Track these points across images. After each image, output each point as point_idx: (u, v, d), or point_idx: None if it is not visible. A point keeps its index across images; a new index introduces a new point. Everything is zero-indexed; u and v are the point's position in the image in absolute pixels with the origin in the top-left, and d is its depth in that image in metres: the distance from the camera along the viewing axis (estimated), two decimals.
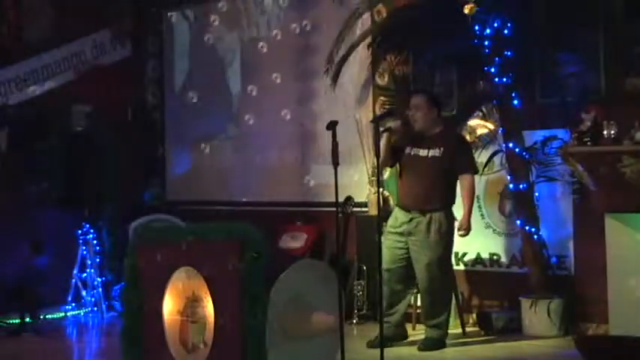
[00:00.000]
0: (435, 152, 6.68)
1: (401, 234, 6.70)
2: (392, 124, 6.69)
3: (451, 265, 7.10)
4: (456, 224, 6.76)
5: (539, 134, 7.15)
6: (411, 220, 6.68)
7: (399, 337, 6.82)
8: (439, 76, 7.77)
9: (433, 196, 6.64)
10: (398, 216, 6.78)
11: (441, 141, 6.71)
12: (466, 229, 6.70)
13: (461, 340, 7.00)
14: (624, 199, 6.56)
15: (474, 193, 6.73)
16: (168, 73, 9.83)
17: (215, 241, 5.35)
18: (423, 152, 6.71)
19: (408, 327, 7.17)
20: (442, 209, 6.65)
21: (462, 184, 6.71)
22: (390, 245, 6.68)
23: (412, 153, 6.75)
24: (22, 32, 8.79)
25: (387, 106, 7.85)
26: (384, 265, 6.56)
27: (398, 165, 6.97)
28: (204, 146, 9.47)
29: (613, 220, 6.69)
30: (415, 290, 6.97)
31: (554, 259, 7.15)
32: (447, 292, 6.81)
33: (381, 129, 6.68)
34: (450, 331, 6.89)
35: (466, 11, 6.82)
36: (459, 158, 6.71)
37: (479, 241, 7.55)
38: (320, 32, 8.50)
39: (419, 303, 7.12)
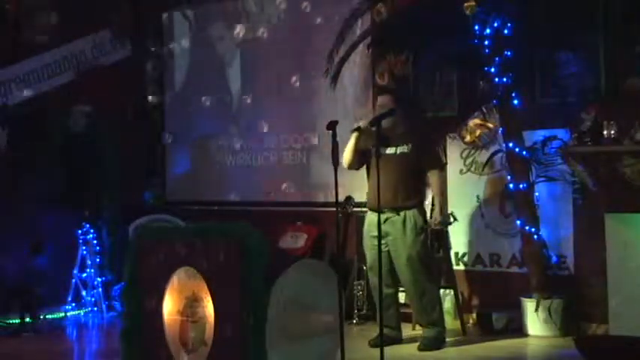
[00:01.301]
0: (403, 149, 6.71)
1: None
2: (361, 123, 6.72)
3: (434, 260, 7.04)
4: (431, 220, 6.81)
5: (539, 134, 7.16)
6: (386, 220, 6.66)
7: (397, 339, 6.81)
8: (439, 76, 7.77)
9: (405, 193, 6.66)
10: (372, 219, 6.71)
11: (409, 138, 6.74)
12: (438, 222, 6.74)
13: (461, 340, 7.00)
14: (624, 199, 6.57)
15: (443, 186, 6.78)
16: (168, 73, 9.83)
17: (215, 241, 5.35)
18: (390, 150, 6.72)
19: (408, 327, 7.18)
20: (415, 206, 6.68)
21: (431, 179, 6.75)
22: (370, 249, 6.69)
23: (381, 152, 6.72)
24: (22, 32, 8.79)
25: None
26: (369, 265, 6.62)
27: (366, 167, 6.96)
28: (204, 146, 9.47)
29: (613, 220, 6.69)
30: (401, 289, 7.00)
31: (554, 259, 7.15)
32: (432, 288, 6.80)
33: (350, 129, 6.73)
34: (450, 331, 6.89)
35: (467, 12, 6.82)
36: (426, 154, 6.76)
37: (479, 241, 7.55)
38: (320, 32, 8.50)
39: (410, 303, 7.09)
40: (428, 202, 6.87)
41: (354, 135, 6.73)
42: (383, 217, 6.63)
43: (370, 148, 6.73)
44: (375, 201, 6.68)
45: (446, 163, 7.06)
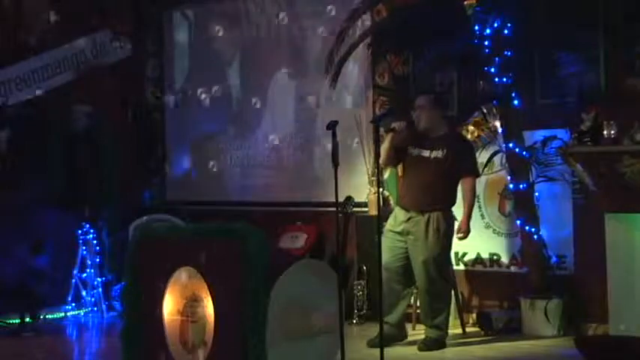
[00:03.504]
0: (438, 153, 6.68)
1: (400, 233, 6.70)
2: (395, 124, 6.70)
3: (451, 266, 7.09)
4: (456, 226, 6.77)
5: (539, 134, 7.15)
6: (409, 219, 6.68)
7: (399, 337, 6.81)
8: (439, 76, 7.77)
9: (433, 196, 6.65)
10: (397, 215, 6.79)
11: (445, 142, 6.70)
12: (465, 232, 6.71)
13: (461, 340, 7.00)
14: (624, 199, 6.56)
15: (474, 196, 6.74)
16: (168, 73, 9.83)
17: (215, 241, 5.35)
18: (425, 153, 6.72)
19: (408, 327, 7.17)
20: (441, 210, 6.65)
21: (463, 187, 6.72)
22: (389, 244, 6.68)
23: (415, 153, 6.75)
24: (22, 32, 8.78)
25: (387, 106, 7.86)
26: (383, 265, 6.57)
27: (400, 165, 6.99)
28: (204, 146, 9.48)
29: (613, 220, 6.69)
30: (414, 290, 6.98)
31: (554, 259, 7.15)
32: (445, 292, 6.80)
33: (385, 129, 6.71)
34: (449, 331, 6.89)
35: (468, 11, 6.84)
36: (462, 160, 6.71)
37: (479, 241, 7.55)
38: (320, 32, 8.50)
39: (419, 303, 7.10)
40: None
41: (389, 135, 6.71)
42: (407, 215, 6.69)
43: (406, 147, 6.75)
44: (405, 200, 6.72)
45: (480, 174, 6.98)
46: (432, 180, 6.66)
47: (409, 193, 6.76)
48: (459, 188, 6.74)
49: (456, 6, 6.93)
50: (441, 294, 6.73)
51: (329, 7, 8.37)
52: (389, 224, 6.79)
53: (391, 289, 6.70)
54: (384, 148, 6.72)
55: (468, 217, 6.68)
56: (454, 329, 7.13)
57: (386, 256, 6.60)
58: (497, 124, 7.32)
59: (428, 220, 6.62)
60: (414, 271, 6.70)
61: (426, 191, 6.65)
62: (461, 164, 6.71)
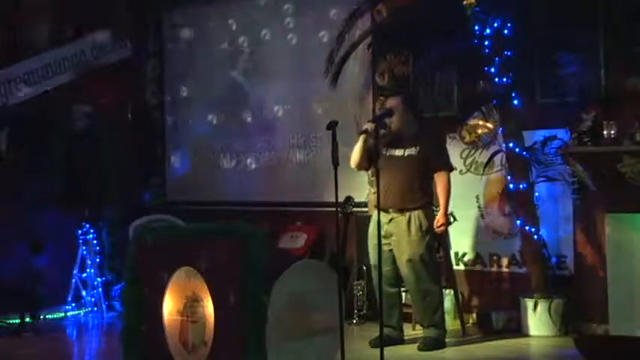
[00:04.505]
0: (411, 151, 6.71)
1: (384, 236, 6.67)
2: (367, 126, 6.70)
3: (437, 264, 7.02)
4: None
5: (539, 134, 7.15)
6: (390, 220, 6.68)
7: (399, 338, 6.82)
8: (439, 76, 7.77)
9: (411, 194, 6.66)
10: (377, 219, 6.72)
11: (418, 140, 6.73)
12: (443, 224, 6.72)
13: (461, 340, 7.00)
14: (624, 199, 6.57)
15: (449, 189, 6.74)
16: (169, 73, 9.82)
17: (215, 241, 5.36)
18: (399, 152, 6.73)
19: (408, 327, 7.18)
20: (421, 207, 6.67)
21: (438, 182, 6.74)
22: (375, 249, 6.67)
23: (388, 154, 6.74)
24: (22, 32, 8.78)
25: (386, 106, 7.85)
26: (375, 271, 6.61)
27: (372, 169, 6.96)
28: (204, 146, 9.47)
29: (613, 220, 6.69)
30: (401, 289, 6.98)
31: (554, 259, 7.15)
32: (435, 290, 6.78)
33: (351, 129, 6.72)
34: (449, 331, 6.89)
35: (468, 11, 6.84)
36: (435, 156, 6.76)
37: (479, 241, 7.55)
38: (320, 32, 8.50)
39: (412, 304, 7.08)
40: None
41: (362, 137, 6.72)
42: (388, 217, 6.67)
43: (380, 149, 6.72)
44: (384, 202, 6.70)
45: (453, 168, 6.98)
46: (407, 178, 6.66)
47: (388, 194, 6.69)
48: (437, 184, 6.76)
49: (456, 6, 6.92)
50: (431, 292, 6.72)
51: (330, 7, 8.36)
52: (371, 230, 6.78)
53: (387, 293, 6.69)
54: (357, 150, 6.74)
55: (445, 210, 6.69)
56: (454, 329, 7.13)
57: (374, 261, 6.64)
58: (498, 124, 7.33)
59: (409, 220, 6.64)
60: (400, 271, 6.70)
61: (404, 190, 6.66)
62: (434, 159, 6.74)
